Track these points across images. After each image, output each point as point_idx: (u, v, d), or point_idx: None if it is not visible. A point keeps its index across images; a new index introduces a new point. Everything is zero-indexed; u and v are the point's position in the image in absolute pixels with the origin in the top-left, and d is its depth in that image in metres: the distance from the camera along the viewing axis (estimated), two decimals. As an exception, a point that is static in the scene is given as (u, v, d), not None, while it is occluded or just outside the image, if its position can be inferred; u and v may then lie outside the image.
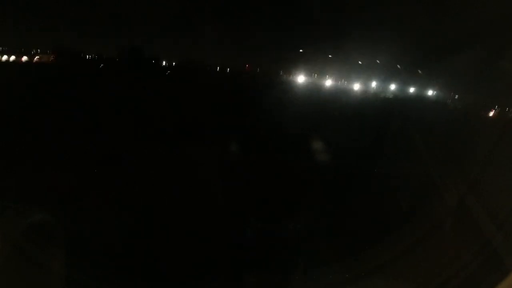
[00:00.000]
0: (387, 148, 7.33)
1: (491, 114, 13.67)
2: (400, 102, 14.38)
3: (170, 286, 3.17)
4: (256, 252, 3.69)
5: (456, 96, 14.70)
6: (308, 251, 3.59)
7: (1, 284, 1.76)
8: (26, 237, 1.90)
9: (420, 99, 14.81)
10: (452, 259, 2.66)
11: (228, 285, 3.23)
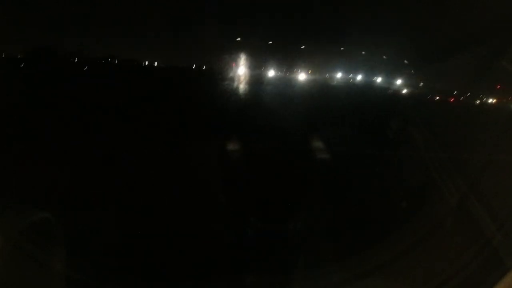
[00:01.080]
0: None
1: (436, 98, 16.26)
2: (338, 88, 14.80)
3: (170, 286, 3.17)
4: (256, 252, 3.69)
5: (421, 84, 15.73)
6: (308, 251, 3.59)
7: (2, 284, 1.76)
8: (26, 237, 1.90)
9: (361, 85, 15.34)
10: (452, 259, 2.66)
11: (228, 285, 3.23)
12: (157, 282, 3.08)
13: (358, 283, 2.93)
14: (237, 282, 3.25)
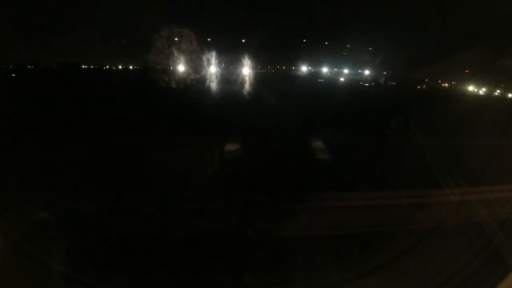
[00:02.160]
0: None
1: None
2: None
3: (170, 286, 3.16)
4: (255, 252, 3.68)
5: (385, 73, 18.02)
6: (308, 251, 3.58)
7: (3, 283, 1.75)
8: (26, 237, 1.90)
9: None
10: (453, 258, 2.66)
11: (228, 285, 3.22)
12: (157, 282, 3.07)
13: (358, 283, 2.93)
14: (237, 282, 3.25)
